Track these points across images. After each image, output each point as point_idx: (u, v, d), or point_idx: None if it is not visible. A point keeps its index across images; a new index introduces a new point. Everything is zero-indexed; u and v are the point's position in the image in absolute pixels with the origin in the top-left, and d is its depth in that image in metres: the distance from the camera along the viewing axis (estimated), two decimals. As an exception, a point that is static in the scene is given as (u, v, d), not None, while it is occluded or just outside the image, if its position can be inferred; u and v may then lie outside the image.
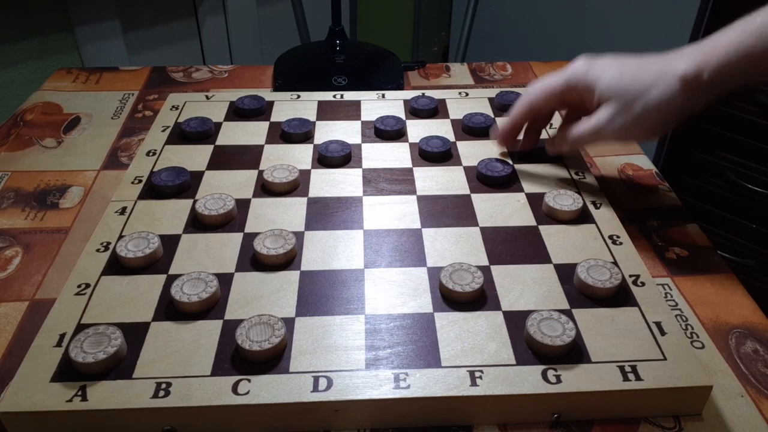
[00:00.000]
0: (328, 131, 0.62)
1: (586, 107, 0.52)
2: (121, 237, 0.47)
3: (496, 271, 0.45)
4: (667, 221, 0.55)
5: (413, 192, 0.53)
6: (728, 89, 0.46)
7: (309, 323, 0.40)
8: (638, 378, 0.37)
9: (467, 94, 0.69)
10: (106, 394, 0.35)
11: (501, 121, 0.59)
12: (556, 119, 0.64)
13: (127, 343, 0.38)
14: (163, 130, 0.61)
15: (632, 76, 0.48)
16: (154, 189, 0.53)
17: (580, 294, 0.43)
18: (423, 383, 0.36)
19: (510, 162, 0.57)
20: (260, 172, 0.55)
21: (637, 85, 0.47)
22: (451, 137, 0.61)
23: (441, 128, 0.63)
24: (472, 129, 0.61)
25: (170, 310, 0.41)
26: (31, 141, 0.65)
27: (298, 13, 1.23)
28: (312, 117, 0.64)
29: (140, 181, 0.54)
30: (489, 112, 0.65)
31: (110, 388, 0.36)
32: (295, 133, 0.60)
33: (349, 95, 0.68)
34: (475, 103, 0.67)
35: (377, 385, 0.36)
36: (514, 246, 0.47)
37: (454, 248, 0.47)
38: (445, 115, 0.65)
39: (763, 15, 0.43)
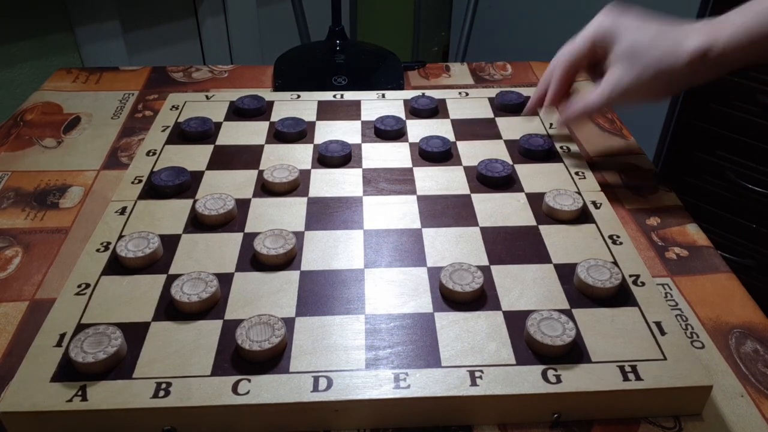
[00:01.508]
0: (328, 131, 0.62)
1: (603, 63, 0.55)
2: (121, 237, 0.47)
3: (496, 271, 0.45)
4: (667, 221, 0.55)
5: (413, 192, 0.53)
6: (734, 67, 0.50)
7: (309, 323, 0.40)
8: (638, 378, 0.37)
9: (467, 94, 0.69)
10: (106, 394, 0.35)
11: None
12: (557, 122, 0.64)
13: (127, 343, 0.38)
14: (163, 130, 0.61)
15: (648, 42, 0.51)
16: (154, 189, 0.53)
17: (580, 294, 0.43)
18: (423, 383, 0.36)
19: (510, 162, 0.57)
20: (260, 172, 0.55)
21: (651, 51, 0.51)
22: (451, 137, 0.61)
23: (441, 128, 0.63)
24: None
25: (170, 310, 0.41)
26: (31, 141, 0.65)
27: (298, 13, 1.23)
28: (312, 117, 0.64)
29: (140, 181, 0.54)
30: (489, 112, 0.65)
31: (110, 388, 0.36)
32: (289, 132, 0.60)
33: (349, 95, 0.68)
34: (475, 103, 0.67)
35: (377, 385, 0.36)
36: (514, 246, 0.47)
37: (454, 248, 0.47)
38: (445, 115, 0.65)
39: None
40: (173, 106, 0.66)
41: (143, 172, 0.55)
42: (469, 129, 0.62)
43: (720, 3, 1.21)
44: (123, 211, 0.50)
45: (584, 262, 0.44)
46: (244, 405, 0.35)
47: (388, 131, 0.61)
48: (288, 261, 0.45)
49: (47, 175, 0.60)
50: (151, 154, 0.58)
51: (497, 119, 0.64)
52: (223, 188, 0.53)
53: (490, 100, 0.68)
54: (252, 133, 0.61)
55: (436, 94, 0.68)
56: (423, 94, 0.68)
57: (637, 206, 0.57)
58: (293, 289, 0.43)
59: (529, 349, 0.38)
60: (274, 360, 0.38)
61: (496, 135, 0.62)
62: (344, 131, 0.62)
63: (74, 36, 1.34)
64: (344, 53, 0.81)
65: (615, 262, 0.45)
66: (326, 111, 0.65)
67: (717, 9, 1.22)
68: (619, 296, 0.42)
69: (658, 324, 0.40)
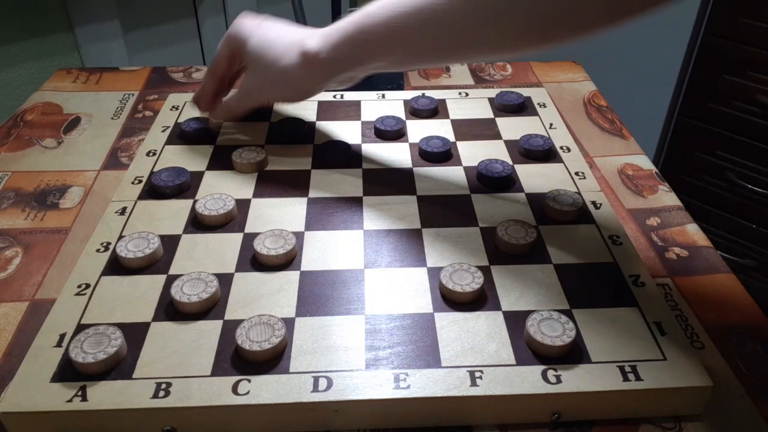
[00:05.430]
0: (328, 131, 0.62)
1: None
2: (121, 237, 0.47)
3: (496, 271, 0.45)
4: (667, 221, 0.55)
5: (413, 192, 0.53)
6: (356, 73, 0.51)
7: (309, 323, 0.40)
8: (638, 378, 0.37)
9: (467, 94, 0.69)
10: (106, 394, 0.35)
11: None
12: (557, 122, 0.64)
13: (127, 343, 0.38)
14: (163, 131, 0.61)
15: (269, 43, 0.52)
16: (154, 189, 0.53)
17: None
18: (423, 383, 0.36)
19: (510, 162, 0.57)
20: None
21: (271, 52, 0.52)
22: (451, 137, 0.61)
23: (441, 128, 0.63)
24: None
25: (170, 310, 0.41)
26: (31, 141, 0.65)
27: (298, 13, 1.23)
28: (312, 117, 0.64)
29: (140, 182, 0.54)
30: (489, 112, 0.65)
31: (110, 388, 0.36)
32: (290, 132, 0.60)
33: (349, 95, 0.68)
34: (475, 103, 0.67)
35: (377, 385, 0.36)
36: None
37: (454, 248, 0.47)
38: (445, 116, 0.65)
39: (369, 5, 0.46)
40: (173, 107, 0.66)
41: (143, 172, 0.55)
42: (469, 129, 0.62)
43: (720, 3, 1.21)
44: (123, 211, 0.50)
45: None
46: (244, 405, 0.35)
47: (388, 131, 0.61)
48: (288, 261, 0.45)
49: (47, 176, 0.59)
50: (151, 154, 0.58)
51: (497, 119, 0.64)
52: (223, 188, 0.53)
53: (490, 100, 0.68)
54: (252, 133, 0.61)
55: (436, 94, 0.68)
56: (423, 94, 0.68)
57: (637, 206, 0.57)
58: (293, 290, 0.43)
59: (529, 350, 0.38)
60: (274, 360, 0.38)
61: (496, 135, 0.62)
62: (344, 131, 0.62)
63: (74, 36, 1.34)
64: (344, 53, 0.81)
65: (615, 263, 0.45)
66: (326, 111, 0.65)
67: (717, 9, 1.22)
68: (620, 296, 0.42)
69: (658, 324, 0.40)
